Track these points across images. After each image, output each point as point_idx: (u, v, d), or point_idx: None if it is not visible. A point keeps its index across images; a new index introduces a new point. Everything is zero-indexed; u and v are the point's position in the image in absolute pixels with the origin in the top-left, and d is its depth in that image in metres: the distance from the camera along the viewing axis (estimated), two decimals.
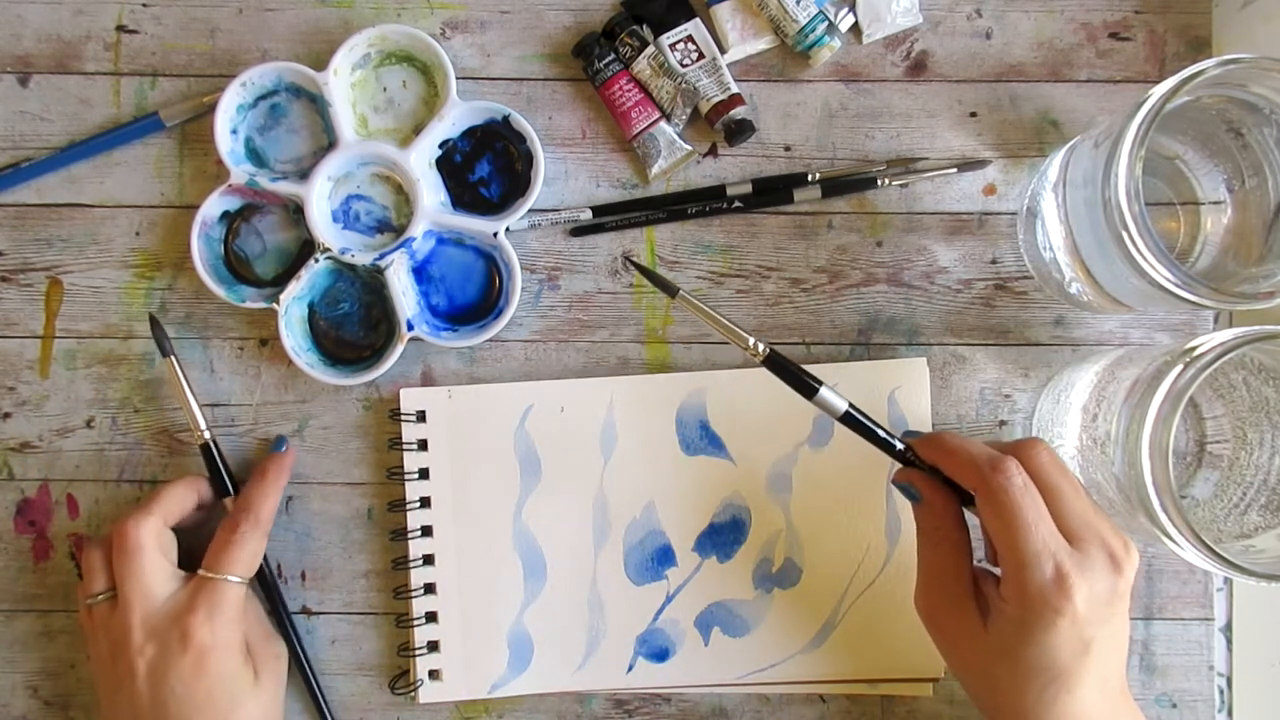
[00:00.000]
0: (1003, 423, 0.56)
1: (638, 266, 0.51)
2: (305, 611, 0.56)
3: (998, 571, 0.44)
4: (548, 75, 0.57)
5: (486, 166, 0.56)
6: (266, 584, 0.55)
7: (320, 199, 0.55)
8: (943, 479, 0.46)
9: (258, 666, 0.50)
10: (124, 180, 0.57)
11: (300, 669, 0.55)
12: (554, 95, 0.57)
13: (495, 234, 0.55)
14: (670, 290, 0.48)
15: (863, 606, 0.55)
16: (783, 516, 0.55)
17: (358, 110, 0.56)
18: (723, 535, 0.55)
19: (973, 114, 0.57)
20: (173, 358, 0.54)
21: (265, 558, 0.55)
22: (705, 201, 0.56)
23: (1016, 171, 0.56)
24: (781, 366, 0.47)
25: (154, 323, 0.55)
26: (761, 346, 0.47)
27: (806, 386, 0.47)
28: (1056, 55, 0.56)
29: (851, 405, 0.47)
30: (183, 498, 0.52)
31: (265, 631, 0.53)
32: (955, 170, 0.56)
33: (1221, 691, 0.56)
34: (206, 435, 0.54)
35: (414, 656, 0.55)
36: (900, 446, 0.47)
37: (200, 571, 0.50)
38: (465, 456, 0.56)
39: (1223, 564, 0.41)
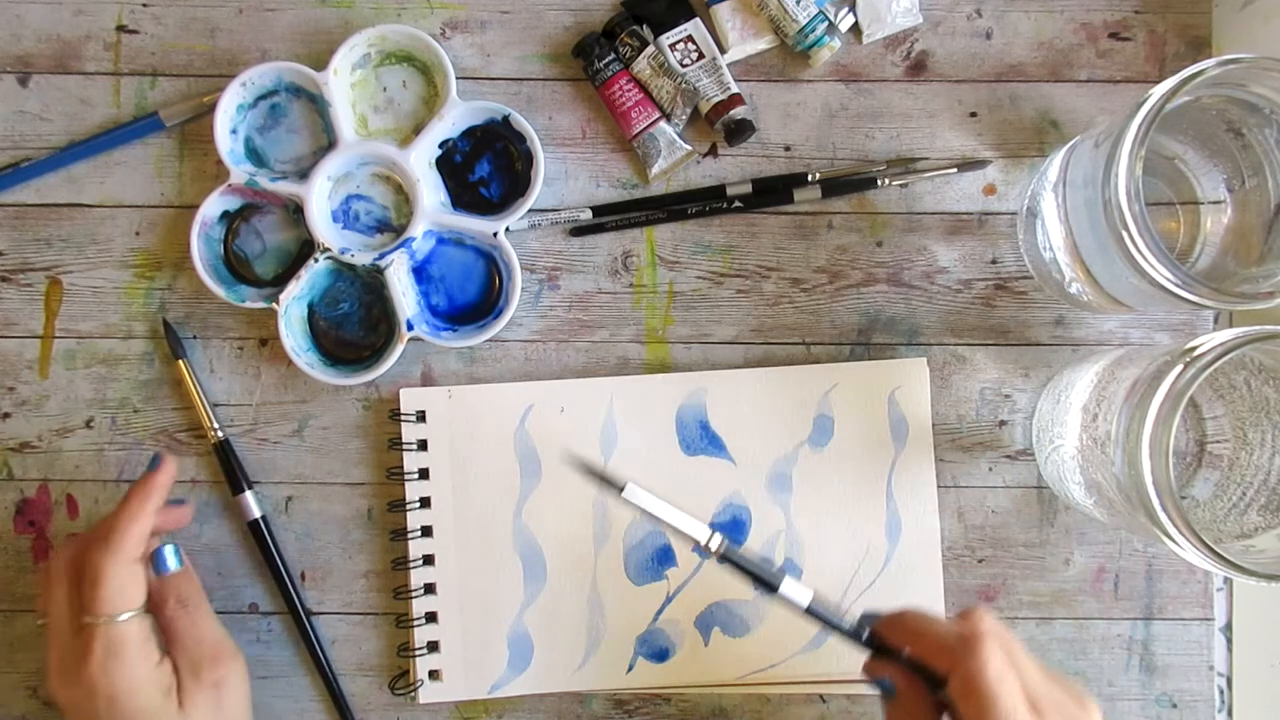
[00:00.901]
0: (1003, 423, 0.56)
1: (584, 467, 0.45)
2: (305, 612, 0.56)
3: None
4: (548, 75, 0.57)
5: (486, 166, 0.56)
6: (284, 587, 0.56)
7: (320, 199, 0.55)
8: (911, 664, 0.44)
9: (186, 697, 0.46)
10: (124, 180, 0.57)
11: (320, 671, 0.56)
12: (554, 95, 0.57)
13: (495, 234, 0.55)
14: (617, 486, 0.44)
15: (863, 606, 0.55)
16: (783, 516, 0.55)
17: (358, 110, 0.56)
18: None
19: (973, 114, 0.57)
20: (185, 361, 0.55)
21: (284, 562, 0.55)
22: (705, 201, 0.56)
23: (1016, 171, 0.56)
24: (739, 565, 0.45)
25: (167, 327, 0.56)
26: (715, 543, 0.44)
27: (767, 584, 0.45)
28: (1056, 55, 0.56)
29: (815, 598, 0.45)
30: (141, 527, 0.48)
31: (204, 655, 0.48)
32: (955, 170, 0.56)
33: (1221, 691, 0.56)
34: (220, 435, 0.55)
35: (414, 657, 0.55)
36: (865, 636, 0.45)
37: (83, 618, 0.46)
38: (465, 456, 0.56)
39: (1223, 564, 0.41)
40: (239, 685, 0.49)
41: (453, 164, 0.56)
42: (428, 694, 0.55)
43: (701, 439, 0.56)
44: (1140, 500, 0.42)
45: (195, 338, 0.57)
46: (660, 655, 0.55)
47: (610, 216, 0.56)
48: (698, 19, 0.56)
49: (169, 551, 0.49)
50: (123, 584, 0.46)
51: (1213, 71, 0.42)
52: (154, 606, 0.48)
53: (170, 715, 0.46)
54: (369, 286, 0.57)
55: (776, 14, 0.54)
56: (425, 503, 0.55)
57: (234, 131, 0.55)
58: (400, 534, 0.55)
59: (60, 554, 0.47)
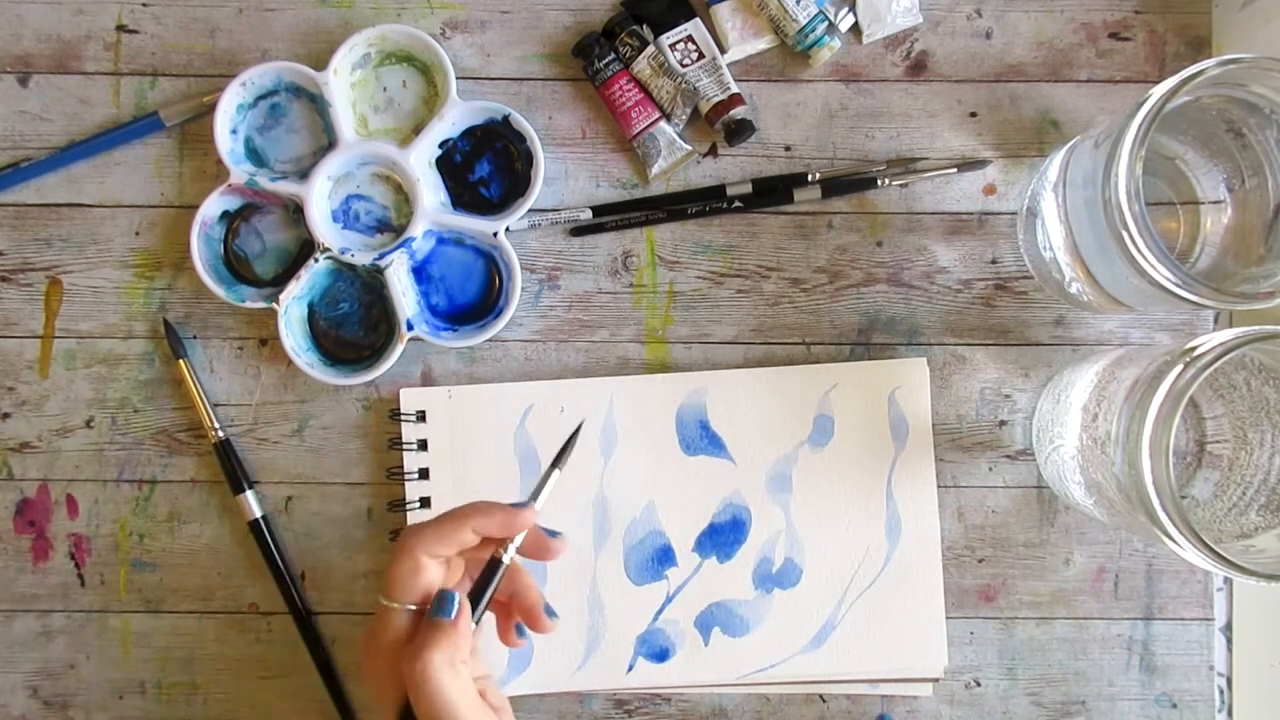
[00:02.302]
0: (1003, 423, 0.56)
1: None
2: (305, 611, 0.56)
3: None
4: (548, 75, 0.57)
5: (486, 166, 0.56)
6: (284, 587, 0.56)
7: (320, 199, 0.55)
8: None
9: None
10: (124, 180, 0.57)
11: (320, 670, 0.56)
12: (554, 95, 0.57)
13: (495, 234, 0.55)
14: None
15: (863, 606, 0.55)
16: (783, 516, 0.55)
17: (358, 110, 0.56)
18: (723, 535, 0.55)
19: (973, 114, 0.57)
20: (185, 361, 0.55)
21: (284, 562, 0.56)
22: (705, 201, 0.56)
23: (1016, 171, 0.56)
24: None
25: (167, 326, 0.56)
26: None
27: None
28: (1056, 55, 0.56)
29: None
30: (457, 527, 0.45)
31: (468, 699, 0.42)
32: (955, 170, 0.56)
33: (1221, 691, 0.56)
34: (220, 435, 0.55)
35: None
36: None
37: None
38: (465, 457, 0.56)
39: (1223, 564, 0.41)
40: None
41: (453, 164, 0.56)
42: None
43: (701, 439, 0.56)
44: (1140, 500, 0.42)
45: (195, 338, 0.57)
46: (660, 655, 0.55)
47: (610, 216, 0.56)
48: (698, 19, 0.56)
49: (449, 598, 0.44)
50: (402, 574, 0.44)
51: (1213, 71, 0.42)
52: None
53: None
54: (369, 286, 0.57)
55: (776, 14, 0.54)
56: (425, 503, 0.55)
57: (234, 131, 0.55)
58: (400, 534, 0.55)
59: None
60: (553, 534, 0.47)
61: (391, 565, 0.44)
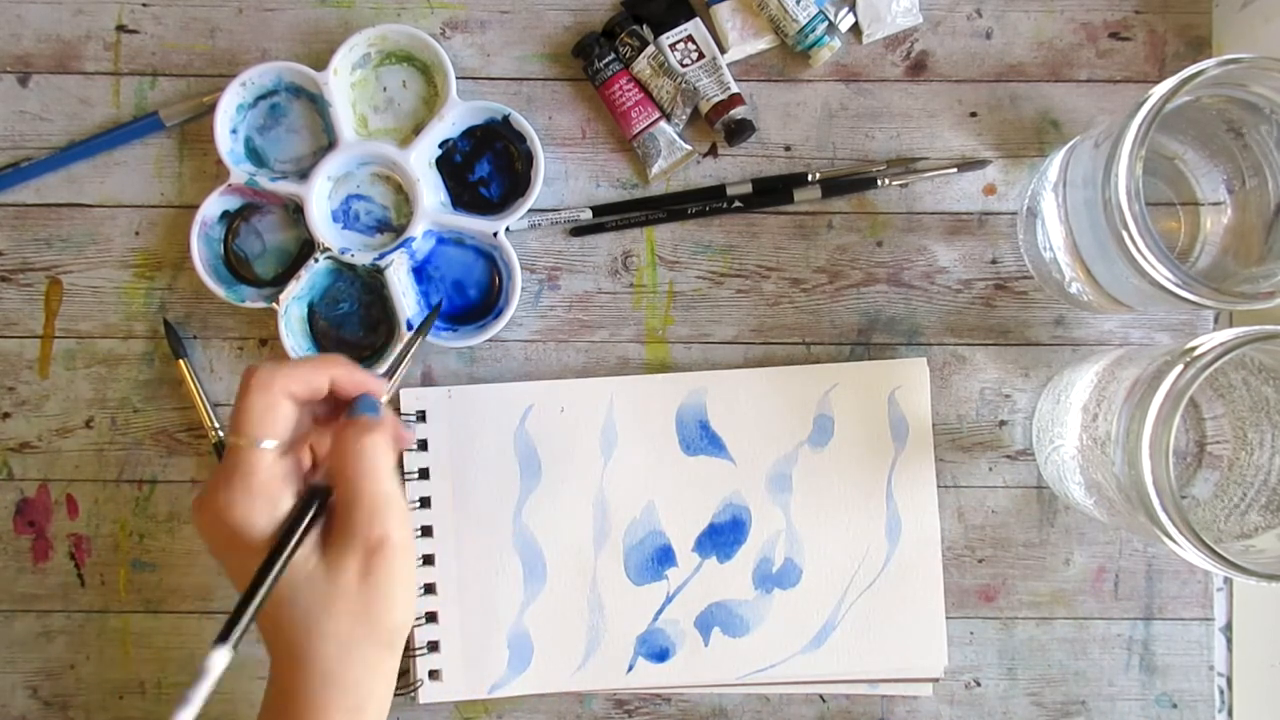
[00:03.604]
0: (1003, 423, 0.56)
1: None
2: None
3: None
4: (548, 75, 0.57)
5: (486, 166, 0.56)
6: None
7: (320, 199, 0.55)
8: None
9: (330, 553, 0.41)
10: (124, 180, 0.57)
11: None
12: (554, 95, 0.57)
13: (495, 234, 0.55)
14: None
15: (863, 606, 0.55)
16: (783, 516, 0.55)
17: (358, 110, 0.56)
18: (723, 535, 0.55)
19: (973, 114, 0.57)
20: (185, 361, 0.55)
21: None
22: (705, 201, 0.56)
23: (1016, 171, 0.56)
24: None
25: (167, 326, 0.56)
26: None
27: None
28: (1056, 55, 0.56)
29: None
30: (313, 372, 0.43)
31: (367, 508, 0.41)
32: (955, 170, 0.56)
33: (1221, 691, 0.56)
34: (220, 435, 0.55)
35: (414, 656, 0.55)
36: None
37: (229, 437, 0.42)
38: (465, 456, 0.56)
39: (1223, 564, 0.41)
40: (401, 559, 0.42)
41: (453, 164, 0.56)
42: (428, 694, 0.55)
43: (701, 439, 0.56)
44: (1140, 500, 0.42)
45: (195, 338, 0.57)
46: (660, 655, 0.55)
47: (610, 216, 0.56)
48: (698, 19, 0.56)
49: (373, 402, 0.43)
50: (265, 408, 0.41)
51: (1213, 71, 0.42)
52: (333, 445, 0.43)
53: (301, 567, 0.41)
54: (369, 286, 0.57)
55: (776, 14, 0.54)
56: (425, 503, 0.55)
57: (234, 131, 0.55)
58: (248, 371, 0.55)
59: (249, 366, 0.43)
60: (408, 425, 0.46)
61: (245, 401, 0.41)
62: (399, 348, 0.46)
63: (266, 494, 0.41)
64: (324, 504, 0.43)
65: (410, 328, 0.54)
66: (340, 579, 0.41)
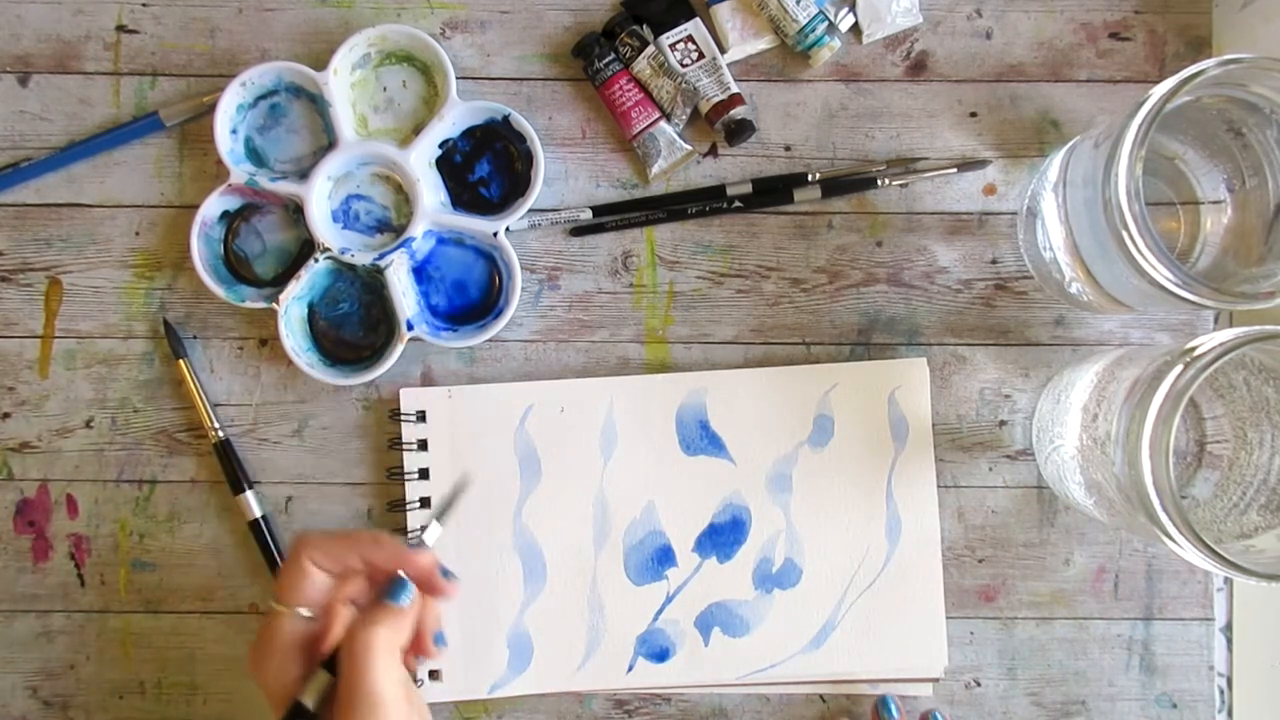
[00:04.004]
0: (1003, 423, 0.56)
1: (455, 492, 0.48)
2: None
3: None
4: (548, 75, 0.57)
5: (486, 166, 0.56)
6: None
7: (320, 199, 0.55)
8: None
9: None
10: (124, 180, 0.57)
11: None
12: (554, 95, 0.57)
13: (495, 234, 0.55)
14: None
15: (863, 606, 0.55)
16: (783, 516, 0.55)
17: (358, 110, 0.56)
18: (723, 535, 0.55)
19: (973, 114, 0.57)
20: (185, 361, 0.55)
21: (277, 546, 0.55)
22: (705, 201, 0.56)
23: (1016, 171, 0.56)
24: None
25: (167, 326, 0.56)
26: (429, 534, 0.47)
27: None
28: (1056, 55, 0.56)
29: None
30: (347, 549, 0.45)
31: (360, 699, 0.41)
32: (955, 170, 0.56)
33: (1221, 691, 0.56)
34: (220, 435, 0.55)
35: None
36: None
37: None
38: (465, 457, 0.56)
39: (1223, 564, 0.41)
40: None
41: (453, 164, 0.56)
42: (427, 694, 0.55)
43: (701, 439, 0.56)
44: (1140, 500, 0.42)
45: (195, 338, 0.57)
46: (660, 655, 0.55)
47: (610, 216, 0.56)
48: (698, 19, 0.56)
49: (401, 586, 0.44)
50: (293, 580, 0.44)
51: (1213, 71, 0.42)
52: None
53: None
54: (369, 286, 0.57)
55: (776, 14, 0.54)
56: (425, 503, 0.55)
57: (234, 131, 0.55)
58: (400, 534, 0.55)
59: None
60: (448, 574, 0.46)
61: (282, 569, 0.45)
62: (437, 509, 0.48)
63: (280, 658, 0.43)
64: (329, 688, 0.43)
65: (410, 328, 0.54)
66: None
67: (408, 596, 0.44)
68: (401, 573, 0.44)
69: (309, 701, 0.42)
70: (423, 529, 0.48)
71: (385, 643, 0.42)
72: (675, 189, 0.57)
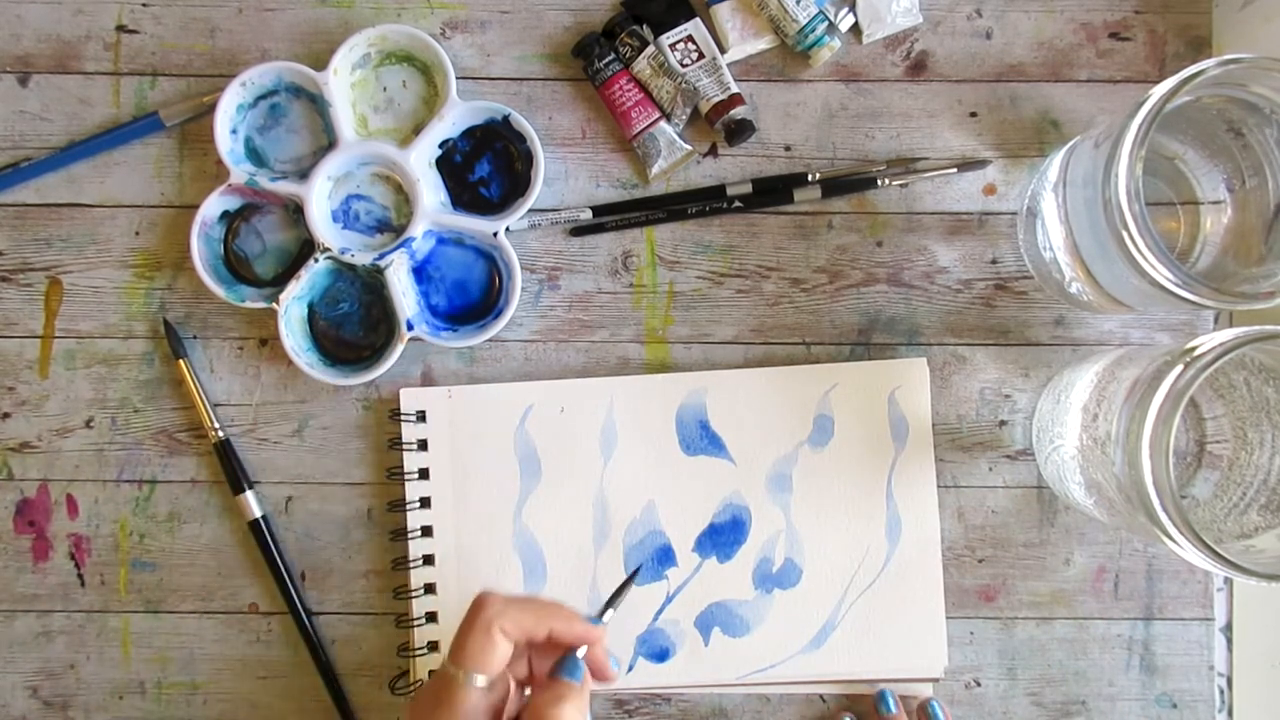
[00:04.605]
0: (1003, 423, 0.56)
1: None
2: (305, 611, 0.56)
3: None
4: (548, 75, 0.57)
5: (486, 166, 0.56)
6: (284, 587, 0.56)
7: (320, 199, 0.55)
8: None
9: None
10: (124, 180, 0.57)
11: (320, 670, 0.56)
12: (554, 95, 0.57)
13: (495, 234, 0.55)
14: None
15: (863, 606, 0.55)
16: (783, 516, 0.55)
17: (358, 110, 0.56)
18: (723, 535, 0.55)
19: (973, 114, 0.57)
20: (185, 361, 0.55)
21: (284, 562, 0.56)
22: (705, 201, 0.56)
23: (1016, 171, 0.56)
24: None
25: (167, 326, 0.56)
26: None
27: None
28: (1056, 55, 0.56)
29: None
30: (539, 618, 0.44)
31: None
32: (955, 170, 0.56)
33: (1221, 691, 0.56)
34: (220, 435, 0.55)
35: (414, 657, 0.55)
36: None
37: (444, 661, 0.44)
38: (465, 456, 0.56)
39: (1223, 564, 0.41)
40: None
41: (453, 164, 0.56)
42: None
43: (701, 439, 0.56)
44: (1140, 500, 0.42)
45: (195, 338, 0.57)
46: (660, 655, 0.55)
47: (610, 216, 0.56)
48: (698, 19, 0.56)
49: (577, 663, 0.44)
50: (480, 647, 0.43)
51: (1213, 71, 0.42)
52: (530, 701, 0.44)
53: None
54: (369, 286, 0.57)
55: (776, 14, 0.54)
56: (425, 503, 0.55)
57: (234, 131, 0.55)
58: (400, 534, 0.55)
59: (478, 595, 0.45)
60: (614, 660, 0.47)
61: (466, 636, 0.43)
62: (615, 590, 0.48)
63: None
64: None
65: (410, 328, 0.54)
66: None
67: (580, 672, 0.44)
68: (570, 654, 0.44)
69: None
70: (603, 611, 0.48)
71: (573, 718, 0.42)
72: (675, 189, 0.57)
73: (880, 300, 0.56)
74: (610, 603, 0.48)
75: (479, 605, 0.43)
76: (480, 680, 0.43)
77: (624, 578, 0.50)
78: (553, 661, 0.44)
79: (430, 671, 0.55)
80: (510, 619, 0.43)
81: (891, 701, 0.54)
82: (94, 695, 0.56)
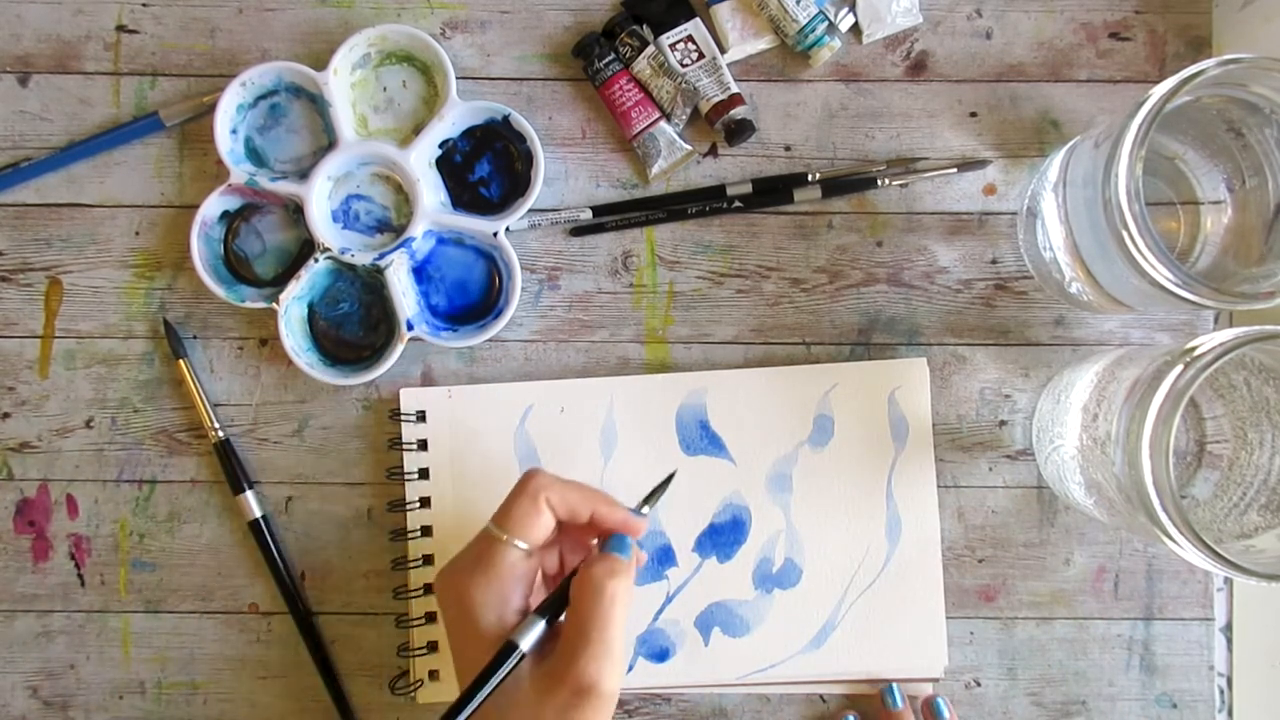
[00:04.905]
0: (1003, 422, 0.56)
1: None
2: (305, 611, 0.56)
3: None
4: (548, 75, 0.57)
5: (486, 166, 0.56)
6: (284, 587, 0.56)
7: (320, 199, 0.55)
8: None
9: (534, 682, 0.42)
10: (124, 180, 0.57)
11: (320, 671, 0.56)
12: (554, 95, 0.57)
13: (495, 234, 0.55)
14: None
15: (863, 606, 0.55)
16: (783, 516, 0.55)
17: (358, 110, 0.56)
18: (723, 535, 0.55)
19: (973, 114, 0.57)
20: (185, 361, 0.55)
21: (284, 562, 0.56)
22: (705, 201, 0.56)
23: (1016, 171, 0.56)
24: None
25: (167, 326, 0.56)
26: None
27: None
28: (1056, 55, 0.56)
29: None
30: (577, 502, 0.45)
31: (587, 662, 0.41)
32: (955, 170, 0.56)
33: (1221, 691, 0.56)
34: (220, 435, 0.55)
35: (414, 657, 0.55)
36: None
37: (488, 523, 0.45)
38: (465, 456, 0.56)
39: (1223, 564, 0.41)
40: (603, 710, 0.42)
41: (453, 164, 0.56)
42: (427, 694, 0.55)
43: (701, 439, 0.56)
44: (1140, 500, 0.42)
45: (195, 338, 0.57)
46: (660, 655, 0.55)
47: (610, 216, 0.56)
48: (698, 19, 0.56)
49: (626, 541, 0.45)
50: (526, 513, 0.44)
51: (1213, 71, 0.42)
52: (580, 569, 0.44)
53: (522, 679, 0.42)
54: (369, 286, 0.57)
55: (776, 14, 0.54)
56: (425, 503, 0.55)
57: (234, 131, 0.55)
58: (400, 534, 0.55)
59: (528, 469, 0.46)
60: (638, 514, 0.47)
61: (514, 502, 0.44)
62: (654, 487, 0.49)
63: (505, 589, 0.43)
64: (553, 620, 0.43)
65: (410, 328, 0.54)
66: (542, 711, 0.42)
67: (630, 551, 0.45)
68: (620, 532, 0.45)
69: (525, 645, 0.42)
70: (641, 505, 0.48)
71: (626, 594, 0.42)
72: (675, 189, 0.57)
73: (880, 300, 0.56)
74: (649, 499, 0.48)
75: (528, 476, 0.45)
76: (521, 544, 0.43)
77: (663, 477, 0.50)
78: (584, 555, 0.46)
79: (426, 651, 0.55)
80: (557, 493, 0.44)
81: (898, 696, 0.54)
82: (94, 695, 0.56)
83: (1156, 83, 0.43)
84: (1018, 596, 0.56)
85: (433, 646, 0.55)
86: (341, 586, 0.56)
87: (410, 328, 0.54)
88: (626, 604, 0.42)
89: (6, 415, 0.57)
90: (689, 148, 0.56)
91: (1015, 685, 0.56)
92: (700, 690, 0.56)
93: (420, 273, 0.56)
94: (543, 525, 0.44)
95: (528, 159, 0.55)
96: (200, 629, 0.56)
